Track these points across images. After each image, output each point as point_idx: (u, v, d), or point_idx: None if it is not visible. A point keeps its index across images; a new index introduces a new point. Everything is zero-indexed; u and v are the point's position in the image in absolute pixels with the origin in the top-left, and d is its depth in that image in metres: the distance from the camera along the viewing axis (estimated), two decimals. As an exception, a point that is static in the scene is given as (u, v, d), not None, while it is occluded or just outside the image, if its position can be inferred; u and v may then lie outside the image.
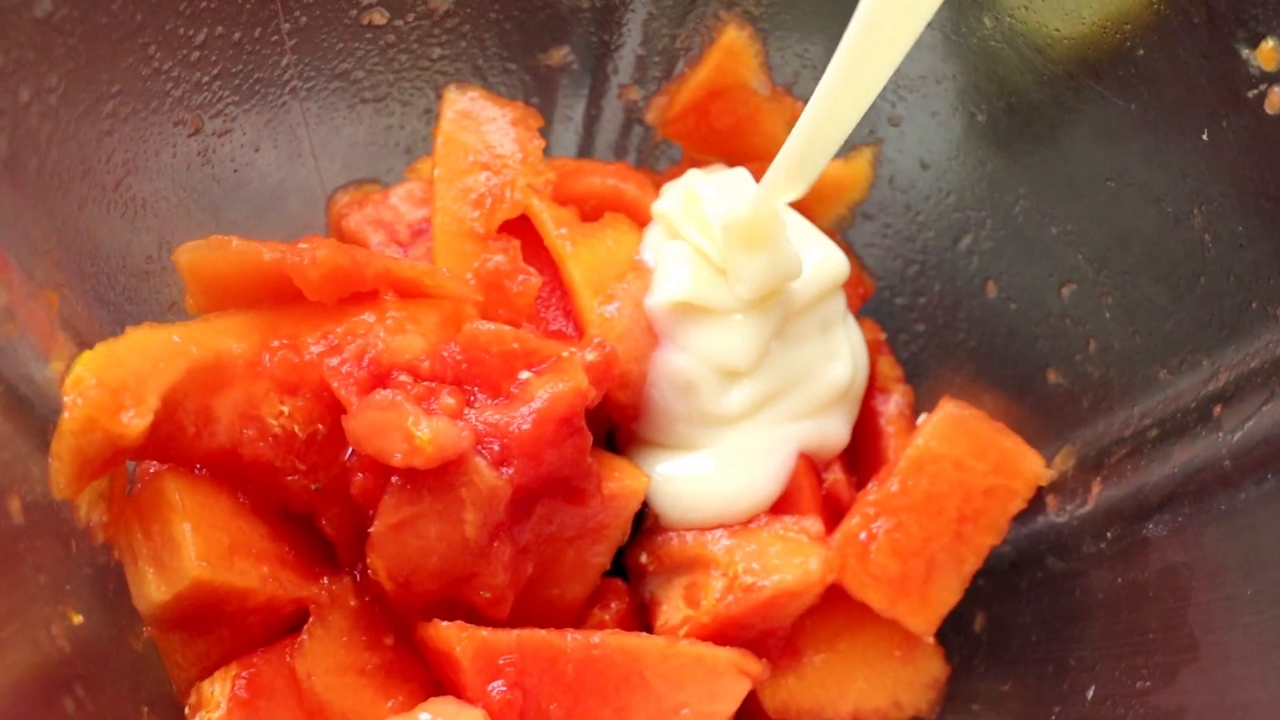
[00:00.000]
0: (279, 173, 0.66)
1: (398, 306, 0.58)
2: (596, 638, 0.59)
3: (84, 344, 0.50)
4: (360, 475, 0.56)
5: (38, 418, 0.50)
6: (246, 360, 0.55)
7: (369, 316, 0.58)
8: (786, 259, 0.62)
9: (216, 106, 0.59)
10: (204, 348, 0.54)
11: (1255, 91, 0.52)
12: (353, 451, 0.57)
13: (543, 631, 0.58)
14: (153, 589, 0.53)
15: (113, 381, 0.49)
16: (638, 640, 0.60)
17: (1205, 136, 0.55)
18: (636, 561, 0.67)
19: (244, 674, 0.56)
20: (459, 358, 0.58)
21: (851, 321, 0.71)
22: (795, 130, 0.56)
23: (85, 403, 0.48)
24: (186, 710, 0.56)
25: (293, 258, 0.56)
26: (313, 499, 0.58)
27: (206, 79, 0.58)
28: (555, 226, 0.65)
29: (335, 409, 0.56)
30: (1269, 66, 0.51)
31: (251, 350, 0.55)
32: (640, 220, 0.69)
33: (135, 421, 0.49)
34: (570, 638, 0.58)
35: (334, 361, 0.56)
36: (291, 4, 0.59)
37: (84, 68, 0.50)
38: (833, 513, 0.67)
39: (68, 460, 0.49)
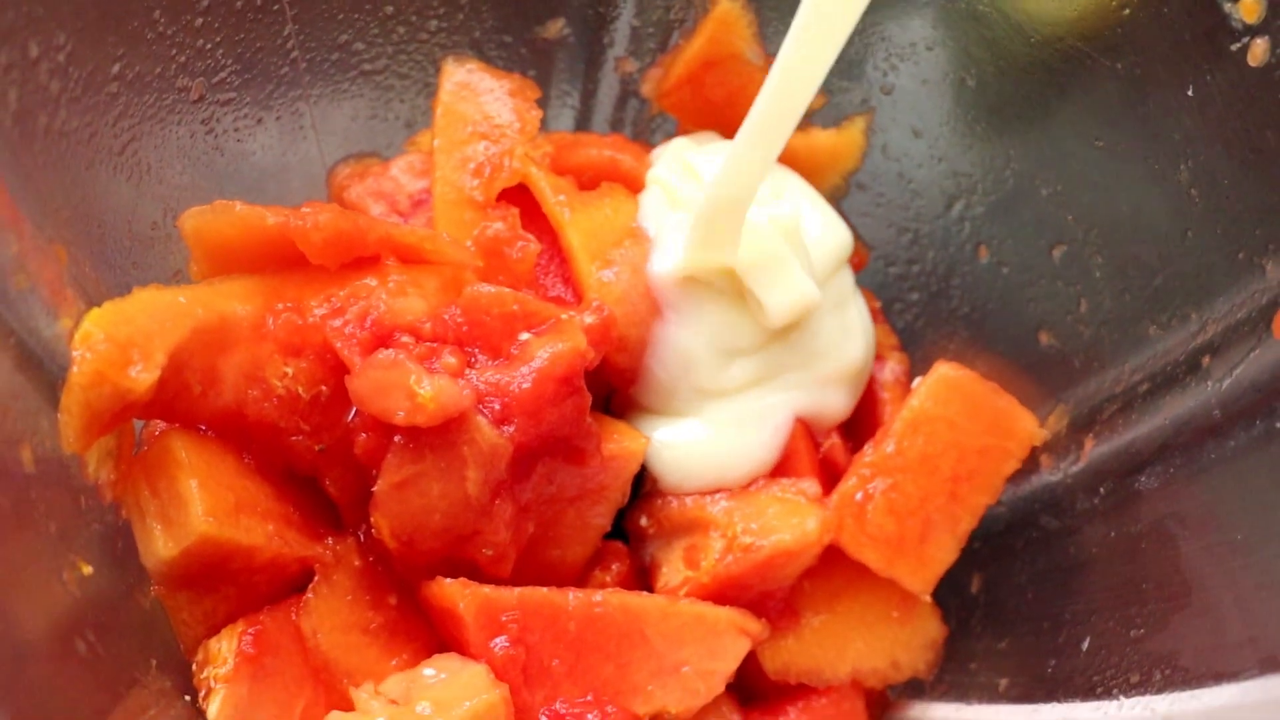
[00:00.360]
0: (280, 144, 0.67)
1: (399, 270, 0.59)
2: (598, 596, 0.60)
3: (92, 303, 0.51)
4: (364, 435, 0.57)
5: (47, 373, 0.50)
6: (251, 322, 0.56)
7: (371, 280, 0.59)
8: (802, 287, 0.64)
9: (220, 74, 0.60)
10: (209, 309, 0.55)
11: (1238, 45, 0.53)
12: (356, 412, 0.57)
13: (544, 589, 0.59)
14: (160, 545, 0.54)
15: (121, 337, 0.50)
16: (639, 599, 0.61)
17: (1190, 92, 0.56)
18: (636, 524, 0.68)
19: (250, 631, 0.56)
20: (460, 320, 0.59)
21: (860, 296, 0.72)
22: (759, 99, 0.57)
23: (94, 357, 0.49)
24: (194, 667, 0.56)
25: (296, 222, 0.57)
26: (317, 460, 0.59)
27: (210, 45, 0.59)
28: (553, 194, 0.65)
29: (338, 370, 0.57)
30: (1250, 19, 0.52)
31: (256, 313, 0.56)
32: (637, 190, 0.70)
33: (143, 376, 0.50)
34: (572, 596, 0.59)
35: (337, 323, 0.57)
36: (294, -29, 0.61)
37: (91, 27, 0.51)
38: (830, 476, 0.68)
39: (76, 414, 0.49)
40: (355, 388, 0.55)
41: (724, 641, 0.61)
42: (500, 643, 0.57)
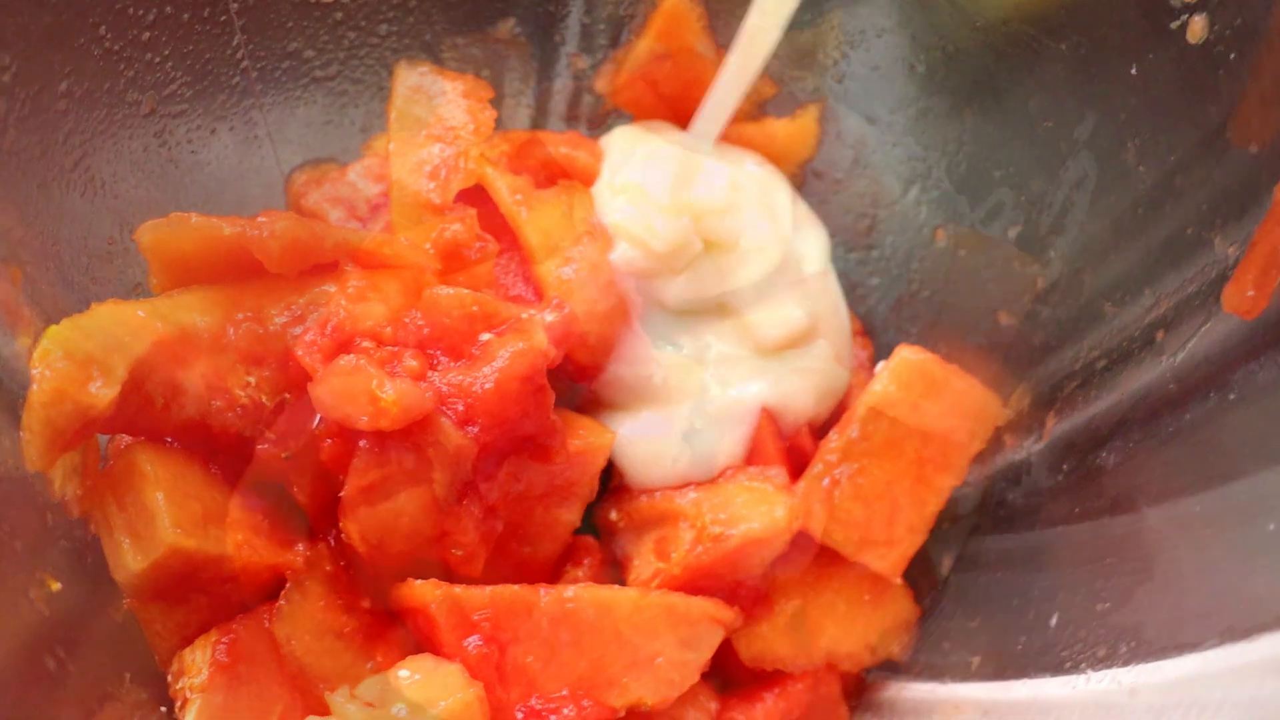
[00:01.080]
0: (235, 154, 0.67)
1: (358, 276, 0.59)
2: (569, 591, 0.60)
3: (50, 321, 0.50)
4: (329, 441, 0.57)
5: (6, 392, 0.50)
6: (211, 333, 0.56)
7: (330, 287, 0.59)
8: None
9: (170, 87, 0.60)
10: (169, 322, 0.55)
11: (1177, 22, 0.54)
12: (321, 419, 0.58)
13: (515, 587, 0.59)
14: (129, 558, 0.54)
15: (80, 354, 0.50)
16: (610, 592, 0.61)
17: (1134, 70, 0.57)
18: (606, 519, 0.68)
19: (224, 640, 0.57)
20: (420, 323, 0.59)
21: (832, 287, 0.73)
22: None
23: (53, 374, 0.49)
24: (170, 678, 0.57)
25: (252, 231, 0.57)
26: (284, 467, 0.59)
27: (158, 59, 0.59)
28: (510, 194, 0.66)
29: (301, 378, 0.57)
30: (1187, -4, 0.54)
31: (216, 324, 0.57)
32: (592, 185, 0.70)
33: (103, 391, 0.50)
34: (543, 592, 0.59)
35: (297, 330, 0.58)
36: (239, -18, 0.61)
37: (35, 46, 0.51)
38: (797, 464, 0.69)
39: (39, 432, 0.50)
40: (318, 394, 0.56)
41: (697, 631, 0.62)
42: (473, 641, 0.58)
